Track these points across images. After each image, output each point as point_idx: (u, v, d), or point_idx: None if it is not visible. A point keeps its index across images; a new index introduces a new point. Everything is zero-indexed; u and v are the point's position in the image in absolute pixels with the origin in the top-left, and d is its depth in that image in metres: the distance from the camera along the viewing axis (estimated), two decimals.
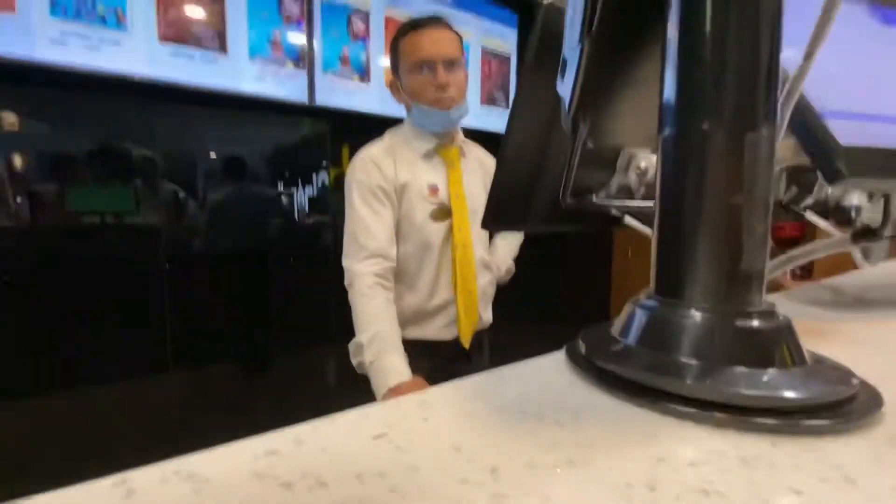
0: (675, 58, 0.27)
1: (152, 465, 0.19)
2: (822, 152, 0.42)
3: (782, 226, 2.94)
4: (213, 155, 2.10)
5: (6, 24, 1.41)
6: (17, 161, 1.60)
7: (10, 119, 1.58)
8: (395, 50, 1.02)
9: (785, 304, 0.54)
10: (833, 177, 0.42)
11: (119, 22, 1.58)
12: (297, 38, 2.00)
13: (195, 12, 1.74)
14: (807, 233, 2.84)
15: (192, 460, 0.20)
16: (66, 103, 1.68)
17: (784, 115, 0.31)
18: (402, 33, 1.00)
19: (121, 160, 1.82)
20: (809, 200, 0.66)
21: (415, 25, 0.99)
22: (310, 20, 2.04)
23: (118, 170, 1.81)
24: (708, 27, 0.25)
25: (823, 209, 0.68)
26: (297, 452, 0.21)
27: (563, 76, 0.34)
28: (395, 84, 1.04)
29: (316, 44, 2.07)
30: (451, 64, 0.98)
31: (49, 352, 1.62)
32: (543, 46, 0.57)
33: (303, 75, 2.02)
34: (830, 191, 0.63)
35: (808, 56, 0.30)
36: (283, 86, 1.98)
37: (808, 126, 0.43)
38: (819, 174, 0.43)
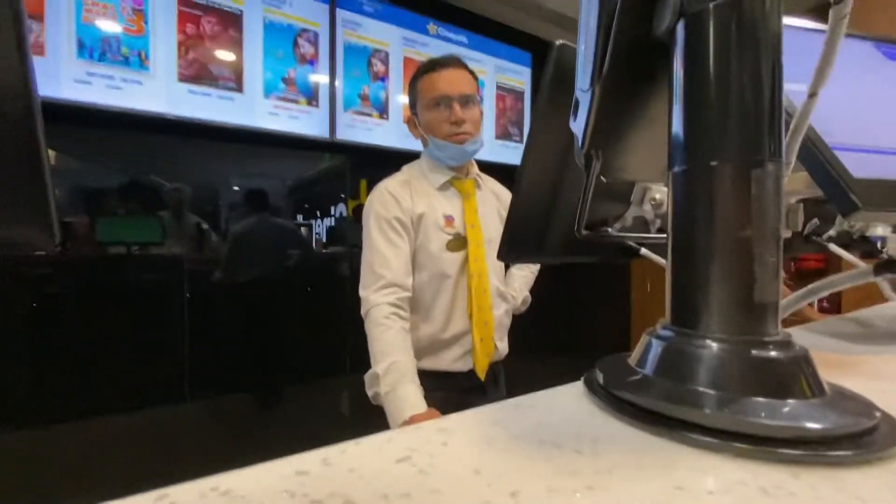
0: (681, 98, 0.28)
1: (192, 481, 0.20)
2: (834, 185, 0.43)
3: (805, 257, 2.88)
4: (236, 188, 2.19)
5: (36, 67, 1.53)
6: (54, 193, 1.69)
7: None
8: (413, 88, 1.07)
9: (807, 337, 0.54)
10: (847, 209, 0.42)
11: (142, 63, 1.70)
12: (311, 77, 2.11)
13: (213, 53, 1.85)
14: (831, 265, 2.77)
15: (228, 478, 0.21)
16: (99, 140, 1.78)
17: (791, 150, 0.33)
18: (421, 73, 1.05)
19: (148, 193, 1.91)
20: (832, 232, 0.66)
21: (433, 66, 1.04)
22: (332, 60, 2.15)
23: (145, 203, 1.90)
24: (711, 69, 0.27)
25: (847, 241, 0.67)
26: (326, 473, 0.22)
27: (575, 116, 0.36)
28: (413, 120, 1.09)
29: (338, 83, 2.17)
30: (466, 101, 1.03)
31: (72, 378, 1.66)
32: (556, 83, 0.60)
33: (315, 111, 2.11)
34: (854, 222, 0.63)
35: (813, 94, 0.32)
36: (296, 122, 2.06)
37: (819, 160, 0.44)
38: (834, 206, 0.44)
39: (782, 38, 0.27)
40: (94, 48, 1.61)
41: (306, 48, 2.08)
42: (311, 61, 2.10)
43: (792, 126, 0.32)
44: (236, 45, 1.90)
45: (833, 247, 0.66)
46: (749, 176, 0.25)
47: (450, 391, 1.00)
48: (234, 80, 1.89)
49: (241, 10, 1.90)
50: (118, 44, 1.65)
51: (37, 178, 0.28)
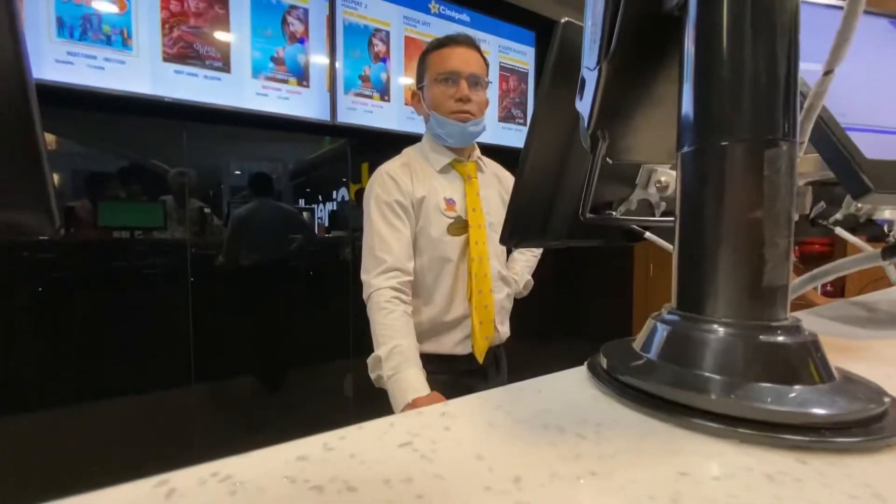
0: (692, 75, 0.27)
1: (192, 466, 0.20)
2: (846, 166, 0.42)
3: (811, 241, 2.86)
4: (237, 172, 2.18)
5: None
6: (54, 178, 1.69)
7: (48, 139, 1.68)
8: (422, 62, 1.05)
9: (813, 321, 0.53)
10: (859, 191, 0.41)
11: (125, 43, 1.63)
12: (301, 56, 2.02)
13: (199, 32, 1.78)
14: (836, 248, 2.75)
15: (228, 463, 0.21)
16: (100, 124, 1.76)
17: (805, 130, 0.32)
18: (433, 47, 1.04)
19: (151, 178, 1.90)
20: (838, 215, 0.64)
21: (447, 41, 1.02)
22: (332, 41, 2.11)
23: (148, 187, 1.89)
24: (724, 44, 0.26)
25: (853, 224, 0.66)
26: (327, 458, 0.22)
27: (581, 95, 0.35)
28: (418, 95, 1.06)
29: (338, 64, 2.13)
30: (475, 81, 1.01)
31: (78, 362, 1.68)
32: (562, 62, 0.59)
33: (306, 92, 2.02)
34: (861, 206, 0.62)
35: (828, 71, 0.30)
36: (286, 102, 1.98)
37: (831, 140, 0.43)
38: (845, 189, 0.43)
39: (799, 13, 0.25)
40: (73, 26, 1.55)
41: (296, 26, 1.99)
42: (302, 39, 2.01)
43: (806, 104, 0.31)
44: (223, 23, 1.81)
45: (839, 230, 0.65)
46: (762, 156, 0.25)
47: (451, 375, 1.01)
48: (221, 60, 1.81)
49: None
50: (99, 22, 1.58)
51: (34, 162, 0.27)
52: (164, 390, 1.84)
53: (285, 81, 1.97)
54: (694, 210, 0.28)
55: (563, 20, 0.57)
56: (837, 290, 2.70)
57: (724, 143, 0.25)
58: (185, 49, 1.74)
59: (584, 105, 0.35)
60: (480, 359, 1.04)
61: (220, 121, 1.93)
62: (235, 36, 1.85)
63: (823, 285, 2.75)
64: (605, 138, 0.35)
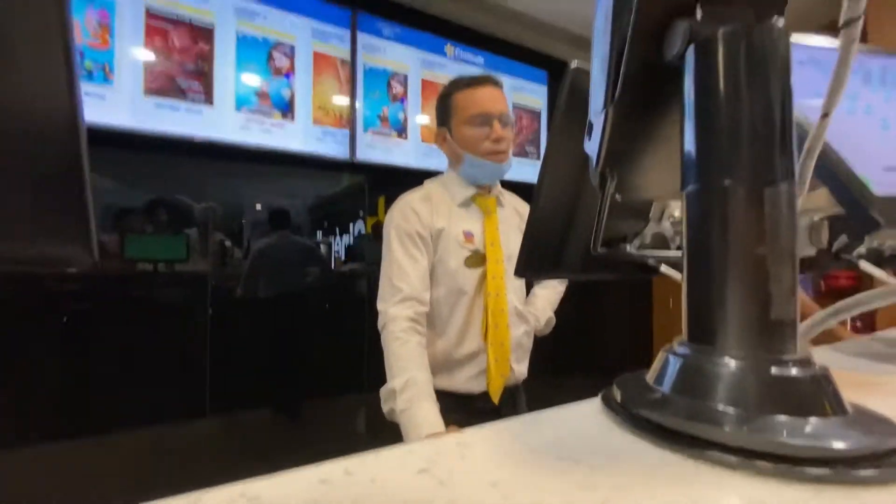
0: (693, 120, 0.29)
1: (222, 486, 0.21)
2: (855, 203, 0.43)
3: (836, 275, 2.79)
4: (258, 207, 2.26)
5: None
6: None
7: None
8: (447, 103, 1.06)
9: (831, 356, 0.52)
10: (869, 227, 0.42)
11: (106, 77, 1.69)
12: (285, 90, 2.07)
13: (182, 67, 1.82)
14: (864, 283, 2.68)
15: (255, 485, 0.22)
16: (127, 161, 1.86)
17: (806, 170, 0.33)
18: (458, 88, 1.05)
19: (175, 212, 1.98)
20: (862, 249, 0.64)
21: (473, 82, 1.04)
22: (353, 83, 2.22)
23: (172, 221, 1.97)
24: (721, 92, 0.28)
25: (878, 258, 0.65)
26: (348, 482, 0.22)
27: (590, 137, 0.37)
28: (443, 135, 1.07)
29: (358, 104, 2.23)
30: (506, 121, 1.03)
31: (97, 392, 1.70)
32: (571, 104, 0.62)
33: (290, 125, 2.07)
34: (879, 240, 0.62)
35: (826, 114, 0.32)
36: (269, 135, 2.01)
37: (838, 177, 0.44)
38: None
39: (791, 62, 0.27)
40: None
41: (281, 61, 2.05)
42: (287, 74, 2.07)
43: (806, 146, 0.32)
44: (206, 58, 1.87)
45: (864, 264, 0.64)
46: (762, 195, 0.26)
47: (464, 413, 0.97)
48: (204, 93, 1.86)
49: (212, 24, 1.89)
50: (82, 58, 1.65)
51: (79, 198, 0.30)
52: (178, 421, 1.84)
53: (269, 115, 2.01)
54: (700, 246, 0.29)
55: (572, 65, 0.60)
56: (867, 325, 2.61)
57: (725, 184, 0.27)
58: (167, 83, 1.79)
59: (592, 146, 0.37)
60: (496, 398, 1.00)
61: (242, 158, 2.02)
62: (219, 70, 1.90)
63: (852, 322, 2.66)
64: (614, 177, 0.37)
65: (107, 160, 1.80)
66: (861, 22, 0.29)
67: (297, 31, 2.09)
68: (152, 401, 1.79)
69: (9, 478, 1.50)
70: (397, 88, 2.37)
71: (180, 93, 1.81)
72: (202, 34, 1.87)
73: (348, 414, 2.27)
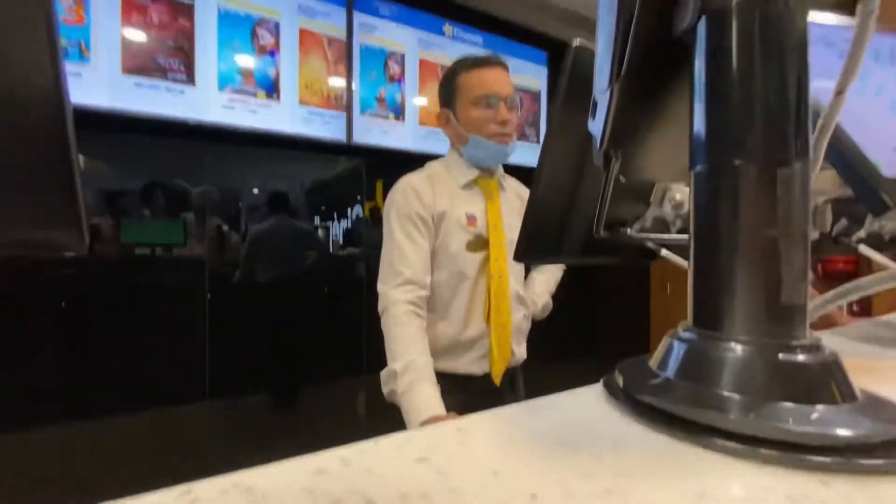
0: (703, 96, 0.28)
1: (215, 477, 0.21)
2: (865, 185, 0.42)
3: (834, 259, 2.79)
4: (255, 191, 2.23)
5: None
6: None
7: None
8: (451, 83, 1.04)
9: (836, 341, 0.52)
10: (878, 209, 0.41)
11: (82, 55, 1.62)
12: (270, 69, 1.99)
13: (162, 44, 1.74)
14: (861, 267, 2.68)
15: (249, 475, 0.21)
16: (124, 145, 1.83)
17: (819, 149, 0.32)
18: (464, 68, 1.03)
19: (172, 196, 1.95)
20: (862, 233, 0.63)
21: (479, 62, 1.02)
22: (349, 63, 2.17)
23: (169, 205, 1.95)
24: (734, 67, 0.27)
25: (878, 242, 0.64)
26: (345, 472, 0.22)
27: (594, 116, 0.36)
28: (446, 116, 1.06)
29: (354, 86, 2.19)
30: (512, 103, 1.02)
31: (96, 376, 1.71)
32: (574, 84, 0.60)
33: (276, 105, 1.99)
34: (885, 222, 0.61)
35: (841, 91, 0.31)
36: (254, 116, 1.94)
37: (848, 159, 0.43)
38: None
39: (808, 35, 0.26)
40: None
41: (265, 38, 1.96)
42: (272, 52, 1.97)
43: (819, 124, 0.31)
44: (187, 35, 1.78)
45: (863, 248, 0.64)
46: (775, 175, 0.25)
47: (465, 394, 0.99)
48: (185, 73, 1.79)
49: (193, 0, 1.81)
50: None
51: (68, 182, 0.29)
52: (178, 405, 1.86)
53: (254, 95, 1.94)
54: (708, 228, 0.28)
55: (575, 43, 0.58)
56: (864, 310, 2.62)
57: (736, 163, 0.26)
58: (147, 62, 1.72)
59: (596, 126, 0.36)
60: (497, 381, 1.02)
61: (239, 141, 1.99)
62: (200, 48, 1.82)
63: (849, 306, 2.67)
64: (618, 157, 0.35)
65: (101, 143, 1.77)
66: None
67: (282, 6, 1.99)
68: (151, 385, 1.80)
69: (6, 462, 1.52)
70: (394, 69, 2.32)
71: (160, 71, 1.74)
72: (182, 10, 1.79)
73: (348, 397, 2.29)
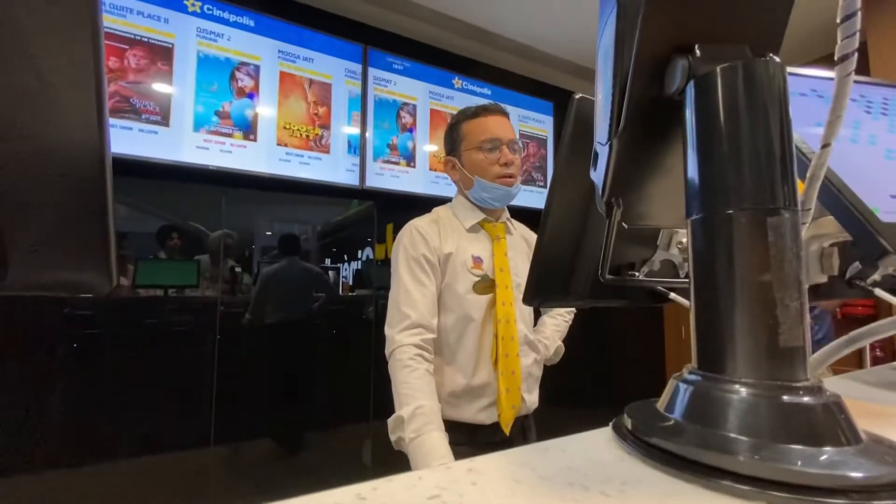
0: (695, 150, 0.30)
1: None
2: (863, 230, 0.43)
3: (853, 303, 2.74)
4: (268, 233, 2.29)
5: None
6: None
7: None
8: (456, 131, 1.10)
9: (847, 385, 0.51)
10: (877, 254, 0.42)
11: None
12: (248, 111, 2.03)
13: (138, 87, 1.79)
14: (881, 310, 2.62)
15: None
16: (141, 189, 1.91)
17: (810, 198, 0.33)
18: (466, 117, 1.09)
19: (188, 239, 2.01)
20: (876, 276, 0.63)
21: (481, 111, 1.08)
22: (364, 114, 2.29)
23: (185, 247, 2.00)
24: (721, 125, 0.29)
25: (894, 285, 0.64)
26: None
27: (595, 167, 0.38)
28: (452, 162, 1.10)
29: (368, 134, 2.30)
30: (514, 146, 1.07)
31: (104, 418, 1.70)
32: (577, 133, 0.63)
33: (252, 145, 2.03)
34: (888, 266, 0.61)
35: (825, 145, 0.33)
36: (229, 156, 1.96)
37: (844, 205, 0.45)
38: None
39: (787, 96, 0.28)
40: None
41: (244, 81, 2.02)
42: (251, 94, 2.03)
43: (808, 174, 0.33)
44: (165, 78, 1.85)
45: (879, 291, 0.63)
46: (765, 223, 0.26)
47: (473, 445, 0.95)
48: (160, 114, 1.83)
49: (172, 43, 1.87)
50: None
51: (102, 227, 0.31)
52: (183, 450, 1.82)
53: (229, 135, 1.97)
54: (707, 274, 0.29)
55: (576, 96, 0.62)
56: (888, 354, 2.54)
57: (729, 212, 0.28)
58: (121, 103, 1.76)
59: (598, 175, 0.38)
60: (507, 430, 0.98)
61: (255, 186, 2.06)
62: (178, 90, 1.88)
63: (872, 350, 2.59)
64: (620, 205, 0.38)
65: (122, 187, 1.86)
66: (855, 57, 0.31)
67: (263, 50, 2.07)
68: (158, 428, 1.78)
69: None
70: (406, 118, 2.44)
71: (135, 113, 1.79)
72: (161, 53, 1.86)
73: (355, 443, 2.23)
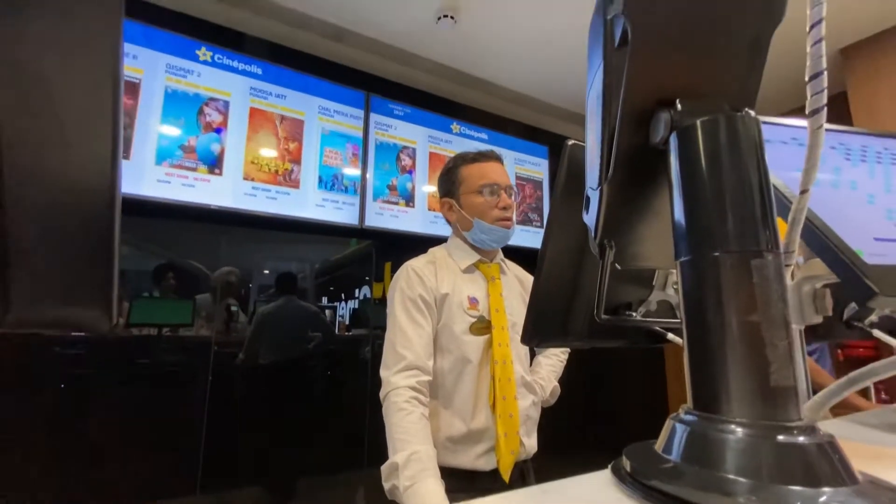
0: (680, 196, 0.32)
1: None
2: (849, 272, 0.45)
3: (854, 345, 2.72)
4: (266, 271, 2.30)
5: None
6: None
7: None
8: (454, 175, 1.13)
9: (846, 427, 0.51)
10: (864, 295, 0.43)
11: None
12: (215, 146, 1.99)
13: None
14: (882, 351, 2.60)
15: None
16: (139, 228, 1.93)
17: (792, 241, 0.35)
18: (465, 161, 1.13)
19: (182, 276, 2.01)
20: (874, 317, 0.63)
21: (480, 157, 1.13)
22: (365, 156, 2.36)
23: (179, 285, 1.99)
24: (704, 173, 0.31)
25: (893, 326, 0.65)
26: None
27: (587, 210, 0.40)
28: (449, 203, 1.13)
29: (368, 175, 2.35)
30: (510, 191, 1.12)
31: (86, 464, 1.63)
32: (570, 177, 0.66)
33: (217, 180, 1.98)
34: (874, 308, 0.62)
35: (804, 191, 0.35)
36: (191, 190, 1.92)
37: (830, 248, 0.46)
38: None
39: (763, 147, 0.30)
40: None
41: (213, 116, 2.00)
42: (219, 129, 2.00)
43: (790, 218, 0.35)
44: (129, 112, 1.84)
45: (877, 332, 0.64)
46: (749, 265, 0.28)
47: (470, 493, 0.92)
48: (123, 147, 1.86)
49: (139, 79, 1.87)
50: None
51: (106, 265, 0.32)
52: (167, 498, 1.74)
53: (193, 169, 1.93)
54: (697, 314, 0.30)
55: (569, 143, 0.65)
56: (893, 396, 2.49)
57: (715, 254, 0.29)
58: None
59: (590, 218, 0.40)
60: (506, 476, 0.95)
61: (255, 225, 2.09)
62: (141, 124, 1.86)
63: (877, 391, 2.54)
64: (612, 247, 0.39)
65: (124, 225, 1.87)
66: (825, 111, 0.33)
67: (233, 87, 2.07)
68: (141, 474, 1.71)
69: None
70: (406, 161, 2.51)
71: None
72: (127, 88, 1.85)
73: (348, 492, 2.13)
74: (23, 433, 1.55)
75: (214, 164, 1.98)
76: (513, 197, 1.11)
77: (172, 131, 1.93)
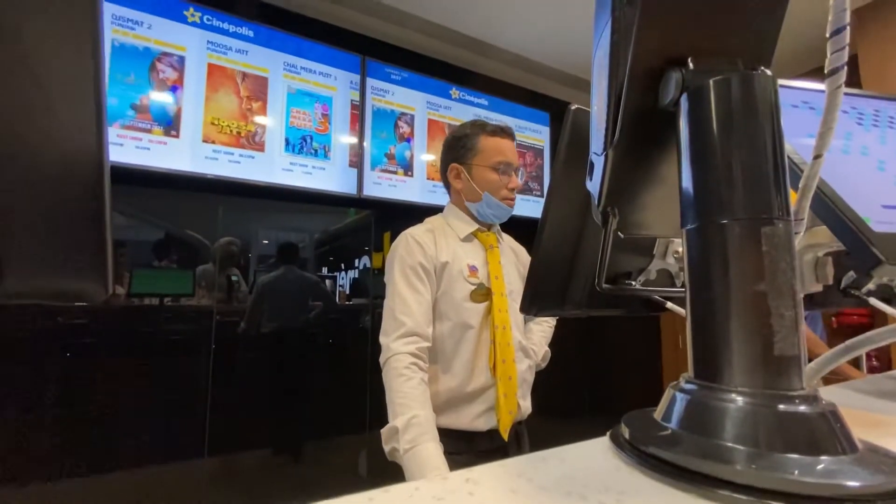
0: (689, 161, 0.31)
1: None
2: (856, 240, 0.44)
3: (848, 312, 2.75)
4: (265, 241, 2.29)
5: None
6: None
7: None
8: (469, 142, 1.10)
9: (842, 394, 0.52)
10: (871, 264, 0.43)
11: None
12: (170, 105, 1.84)
13: None
14: (877, 319, 2.63)
15: None
16: (137, 197, 1.90)
17: (803, 208, 0.34)
18: (483, 131, 1.11)
19: (185, 248, 2.01)
20: (871, 285, 0.63)
21: (498, 131, 1.11)
22: (361, 124, 2.30)
23: (182, 257, 1.99)
24: (715, 137, 0.29)
25: (889, 294, 0.65)
26: None
27: (591, 177, 0.38)
28: (458, 170, 1.11)
29: (366, 143, 2.31)
30: (518, 172, 1.12)
31: (96, 429, 1.68)
32: (573, 143, 0.64)
33: (175, 142, 1.84)
34: (881, 276, 0.61)
35: (818, 156, 0.33)
36: (147, 153, 1.79)
37: (837, 215, 0.45)
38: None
39: (779, 108, 0.29)
40: None
41: (167, 73, 1.84)
42: (174, 87, 1.85)
43: (801, 185, 0.33)
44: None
45: (874, 301, 0.64)
46: (759, 234, 0.27)
47: (469, 454, 0.96)
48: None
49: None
50: None
51: (99, 235, 0.31)
52: (177, 461, 1.80)
53: (147, 130, 1.79)
54: (702, 283, 0.29)
55: (572, 107, 0.63)
56: (884, 363, 2.55)
57: (723, 222, 0.28)
58: None
59: (594, 185, 0.38)
60: (505, 435, 0.99)
61: (253, 194, 2.06)
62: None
63: (868, 359, 2.59)
64: (616, 215, 0.38)
65: (120, 195, 1.85)
66: (844, 70, 0.31)
67: (188, 40, 1.89)
68: (151, 439, 1.76)
69: None
70: (404, 128, 2.45)
71: None
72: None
73: (351, 454, 2.21)
74: (29, 400, 1.59)
75: (171, 124, 1.83)
76: (520, 177, 1.12)
77: (122, 89, 1.75)
